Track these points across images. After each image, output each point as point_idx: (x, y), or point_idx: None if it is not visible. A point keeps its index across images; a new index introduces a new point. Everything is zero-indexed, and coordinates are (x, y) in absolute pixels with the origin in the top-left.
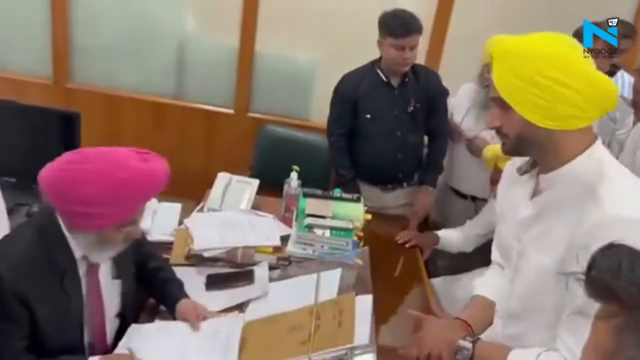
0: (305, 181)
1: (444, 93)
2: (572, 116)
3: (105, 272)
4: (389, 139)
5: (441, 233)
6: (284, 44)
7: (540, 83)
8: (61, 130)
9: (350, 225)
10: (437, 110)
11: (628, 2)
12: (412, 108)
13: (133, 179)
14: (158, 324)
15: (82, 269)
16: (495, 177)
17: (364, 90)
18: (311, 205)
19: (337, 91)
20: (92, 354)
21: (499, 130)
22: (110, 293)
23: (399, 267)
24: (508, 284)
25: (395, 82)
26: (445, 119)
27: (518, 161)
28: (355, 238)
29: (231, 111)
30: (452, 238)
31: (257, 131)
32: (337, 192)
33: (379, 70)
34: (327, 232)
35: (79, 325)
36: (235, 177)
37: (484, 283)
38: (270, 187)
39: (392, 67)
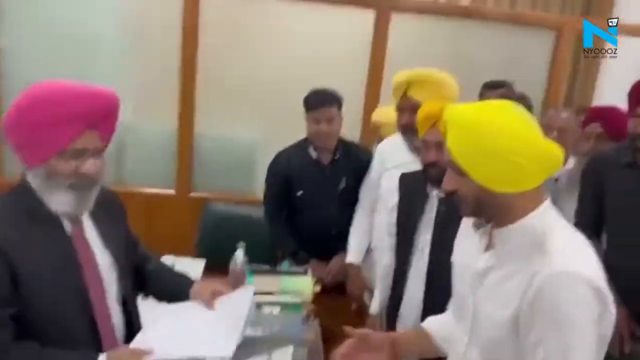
0: (252, 257)
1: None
2: (525, 180)
3: (96, 243)
4: (321, 216)
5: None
6: (223, 124)
7: (496, 152)
8: None
9: (299, 300)
10: None
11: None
12: (343, 186)
13: (65, 97)
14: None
15: (68, 229)
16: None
17: (295, 168)
18: (259, 282)
19: (271, 170)
20: (100, 348)
21: (455, 194)
22: (107, 269)
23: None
24: (464, 335)
25: (325, 160)
26: None
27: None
28: (305, 312)
29: (173, 192)
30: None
31: (201, 210)
32: (284, 266)
33: (309, 148)
34: (277, 309)
35: (78, 298)
36: (180, 259)
37: (435, 320)
38: (218, 266)
39: (314, 141)
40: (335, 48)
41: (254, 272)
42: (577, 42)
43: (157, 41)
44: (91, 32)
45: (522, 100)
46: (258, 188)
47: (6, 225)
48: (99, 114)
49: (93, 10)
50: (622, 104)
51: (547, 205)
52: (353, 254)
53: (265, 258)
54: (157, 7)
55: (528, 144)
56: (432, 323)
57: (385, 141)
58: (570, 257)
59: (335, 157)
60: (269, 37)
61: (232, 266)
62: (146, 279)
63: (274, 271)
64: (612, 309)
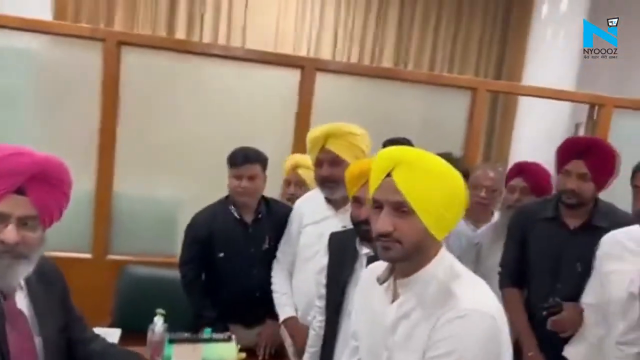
0: (173, 323)
1: None
2: (451, 228)
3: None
4: (245, 278)
5: None
6: (144, 182)
7: (448, 197)
8: None
9: None
10: None
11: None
12: (266, 246)
13: None
14: None
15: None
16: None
17: (217, 228)
18: (178, 352)
19: (189, 232)
20: None
21: (386, 235)
22: (39, 351)
23: None
24: None
25: (248, 218)
26: None
27: (375, 271)
28: None
29: (89, 256)
30: None
31: (118, 274)
32: (207, 332)
33: (231, 207)
34: None
35: None
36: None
37: None
38: (136, 334)
39: (235, 198)
40: (261, 106)
41: (174, 341)
42: (492, 102)
43: (76, 96)
44: (3, 83)
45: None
46: (179, 250)
47: None
48: (24, 176)
49: (7, 60)
50: (535, 159)
51: (444, 249)
52: (286, 309)
53: (189, 324)
54: (77, 60)
55: (464, 193)
56: None
57: (302, 198)
58: (477, 297)
59: (259, 216)
60: (194, 93)
61: (149, 335)
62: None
63: (194, 339)
64: (509, 346)
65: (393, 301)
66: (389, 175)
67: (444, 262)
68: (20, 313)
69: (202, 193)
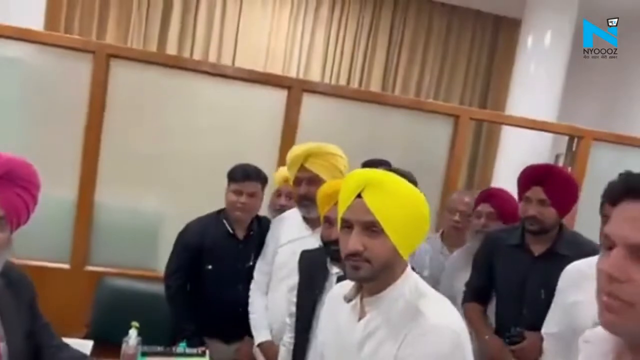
0: (148, 336)
1: None
2: (415, 247)
3: None
4: (229, 293)
5: None
6: (127, 194)
7: (416, 217)
8: None
9: None
10: None
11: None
12: (251, 263)
13: None
14: None
15: None
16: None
17: (208, 240)
18: None
19: (181, 240)
20: None
21: (356, 255)
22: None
23: None
24: None
25: (240, 234)
26: None
27: (342, 290)
28: None
29: (67, 266)
30: None
31: (96, 285)
32: (181, 346)
33: (224, 221)
34: None
35: None
36: (65, 341)
37: None
38: (111, 346)
39: (230, 212)
40: (247, 123)
41: (147, 354)
42: (477, 130)
43: (63, 105)
44: None
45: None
46: (160, 263)
47: None
48: None
49: None
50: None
51: (409, 268)
52: (262, 332)
53: (163, 337)
54: (66, 70)
55: (428, 213)
56: None
57: (278, 217)
58: (441, 314)
59: (250, 233)
60: (182, 108)
61: (124, 348)
62: None
63: (168, 353)
64: None
65: (360, 319)
66: (359, 196)
67: (409, 280)
68: None
69: (185, 208)
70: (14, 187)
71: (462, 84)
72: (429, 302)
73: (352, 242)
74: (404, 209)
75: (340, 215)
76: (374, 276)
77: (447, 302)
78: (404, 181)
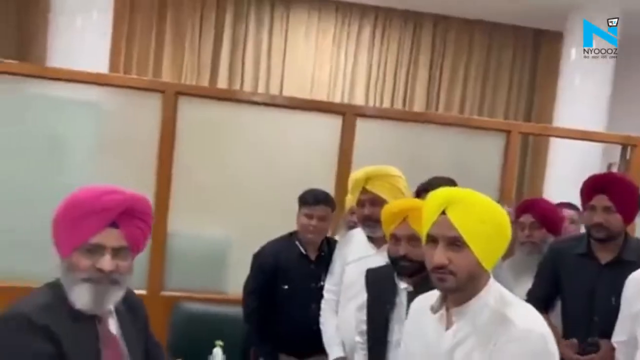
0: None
1: None
2: (498, 259)
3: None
4: (304, 312)
5: None
6: (196, 222)
7: (498, 231)
8: None
9: None
10: None
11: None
12: (322, 283)
13: (86, 196)
14: None
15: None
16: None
17: (282, 261)
18: None
19: (257, 261)
20: None
21: (442, 268)
22: None
23: None
24: None
25: (312, 255)
26: None
27: (423, 302)
28: None
29: (144, 292)
30: None
31: (171, 310)
32: None
33: (297, 242)
34: None
35: None
36: None
37: None
38: None
39: (303, 234)
40: (305, 151)
41: None
42: (522, 144)
43: (134, 143)
44: (67, 132)
45: None
46: (229, 287)
47: (52, 314)
48: (115, 212)
49: (71, 111)
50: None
51: (493, 279)
52: (334, 349)
53: (234, 357)
54: (136, 110)
55: (509, 226)
56: None
57: (346, 235)
58: (529, 320)
59: (322, 253)
60: (243, 140)
61: None
62: None
63: None
64: None
65: (447, 329)
66: (443, 213)
67: (493, 290)
68: (112, 335)
69: (249, 234)
70: (135, 220)
71: (505, 100)
72: (515, 309)
73: (438, 256)
74: (485, 224)
75: (425, 230)
76: (459, 287)
77: (532, 308)
78: (484, 197)
